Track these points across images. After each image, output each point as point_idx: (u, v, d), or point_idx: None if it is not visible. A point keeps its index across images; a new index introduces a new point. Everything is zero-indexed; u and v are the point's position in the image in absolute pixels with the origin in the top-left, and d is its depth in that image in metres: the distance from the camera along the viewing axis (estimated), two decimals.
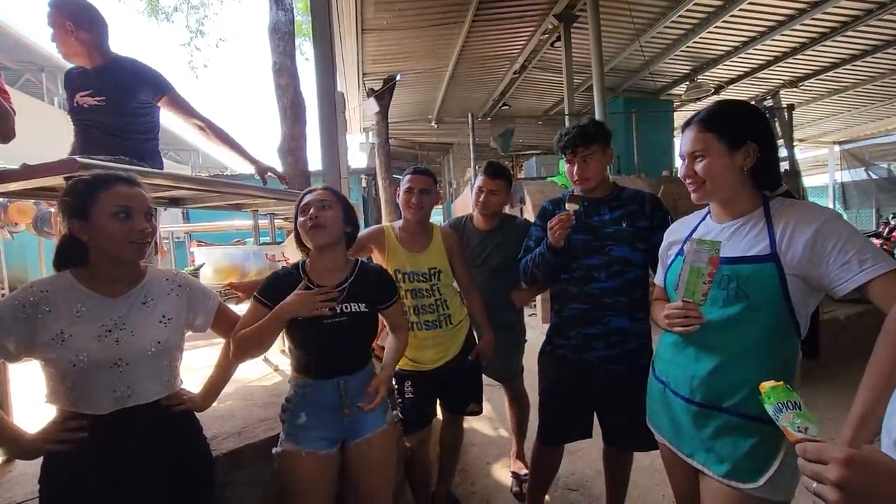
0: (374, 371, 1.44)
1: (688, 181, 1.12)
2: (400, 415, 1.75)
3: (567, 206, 1.53)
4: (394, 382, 1.80)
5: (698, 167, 1.08)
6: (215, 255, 2.16)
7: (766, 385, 0.78)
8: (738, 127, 1.06)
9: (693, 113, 1.14)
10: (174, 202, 2.23)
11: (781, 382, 0.76)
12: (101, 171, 1.12)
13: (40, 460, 1.05)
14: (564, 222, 1.50)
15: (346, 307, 1.31)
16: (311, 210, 1.31)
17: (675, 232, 1.28)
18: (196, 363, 2.25)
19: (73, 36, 1.80)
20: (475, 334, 1.95)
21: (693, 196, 1.13)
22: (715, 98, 8.72)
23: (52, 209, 2.56)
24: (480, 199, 2.09)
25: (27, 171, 1.34)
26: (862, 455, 0.54)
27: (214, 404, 1.31)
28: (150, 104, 1.96)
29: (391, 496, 1.45)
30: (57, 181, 1.28)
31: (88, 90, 1.86)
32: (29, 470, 1.33)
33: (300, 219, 1.34)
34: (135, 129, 1.92)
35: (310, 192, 1.38)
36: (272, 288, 1.31)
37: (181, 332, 1.18)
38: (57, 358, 1.00)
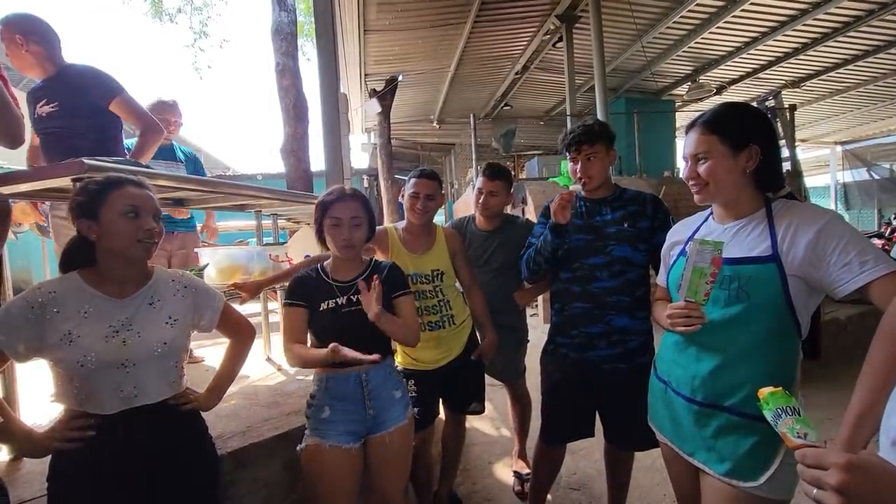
0: (394, 365, 1.49)
1: (691, 183, 1.13)
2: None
3: (572, 186, 1.56)
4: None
5: (701, 169, 1.09)
6: (219, 255, 2.17)
7: (764, 391, 0.78)
8: (742, 129, 1.07)
9: (696, 114, 1.15)
10: (178, 203, 2.24)
11: (780, 388, 0.77)
12: (112, 174, 1.13)
13: (48, 459, 1.06)
14: (566, 198, 1.52)
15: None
16: (345, 231, 1.36)
17: (678, 233, 1.29)
18: (212, 364, 2.26)
19: (23, 49, 1.85)
20: (478, 334, 1.96)
21: (696, 197, 1.14)
22: (717, 98, 8.73)
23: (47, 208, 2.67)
24: (480, 201, 2.10)
25: (36, 173, 1.36)
26: (861, 460, 0.54)
27: (219, 404, 1.32)
28: (104, 107, 1.99)
29: (403, 492, 1.47)
30: (65, 182, 1.29)
31: (44, 99, 1.92)
32: (36, 468, 1.34)
33: (330, 229, 1.38)
34: (88, 130, 1.96)
35: (341, 198, 1.39)
36: (299, 289, 1.40)
37: (187, 332, 1.19)
38: (65, 358, 1.01)
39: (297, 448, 1.36)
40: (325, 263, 1.46)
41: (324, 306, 1.37)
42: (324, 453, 1.31)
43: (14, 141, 1.41)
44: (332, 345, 1.21)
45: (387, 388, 1.41)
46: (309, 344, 1.41)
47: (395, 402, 1.42)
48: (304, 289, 1.40)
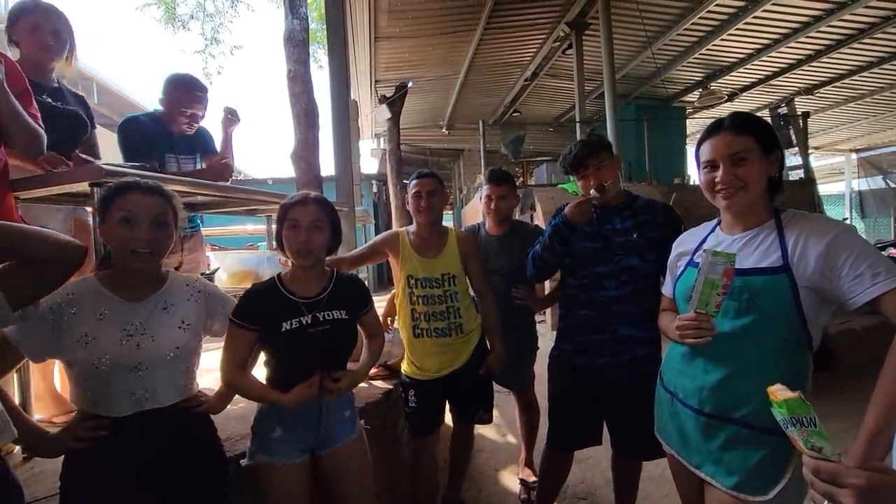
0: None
1: (721, 186, 1.07)
2: (366, 425, 1.60)
3: (592, 191, 1.55)
4: (399, 389, 1.81)
5: (741, 171, 1.04)
6: (229, 259, 2.20)
7: (778, 394, 0.76)
8: (770, 133, 1.07)
9: (708, 121, 1.14)
10: (189, 207, 2.27)
11: (797, 394, 0.74)
12: (126, 179, 1.15)
13: (61, 458, 1.08)
14: (585, 206, 1.53)
15: (329, 315, 1.31)
16: (303, 234, 1.28)
17: (684, 243, 1.28)
18: (210, 365, 2.28)
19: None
20: (487, 343, 1.94)
21: (724, 203, 1.09)
22: (728, 105, 8.66)
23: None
24: (492, 207, 2.12)
25: (53, 178, 1.39)
26: (881, 481, 0.53)
27: (228, 406, 1.33)
28: None
29: (372, 499, 1.45)
30: (82, 187, 1.32)
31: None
32: (49, 467, 1.36)
33: (288, 233, 1.30)
34: None
35: (301, 202, 1.31)
36: (250, 308, 1.28)
37: (199, 337, 1.21)
38: (80, 359, 1.03)
39: (242, 462, 1.32)
40: (284, 275, 1.35)
41: (286, 326, 1.25)
42: (275, 471, 1.28)
43: (35, 155, 1.42)
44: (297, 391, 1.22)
45: (339, 409, 1.37)
46: (265, 362, 1.35)
47: (345, 421, 1.38)
48: (259, 308, 1.27)
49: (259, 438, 1.31)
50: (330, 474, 1.36)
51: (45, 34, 1.68)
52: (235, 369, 1.26)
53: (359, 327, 1.44)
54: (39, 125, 1.41)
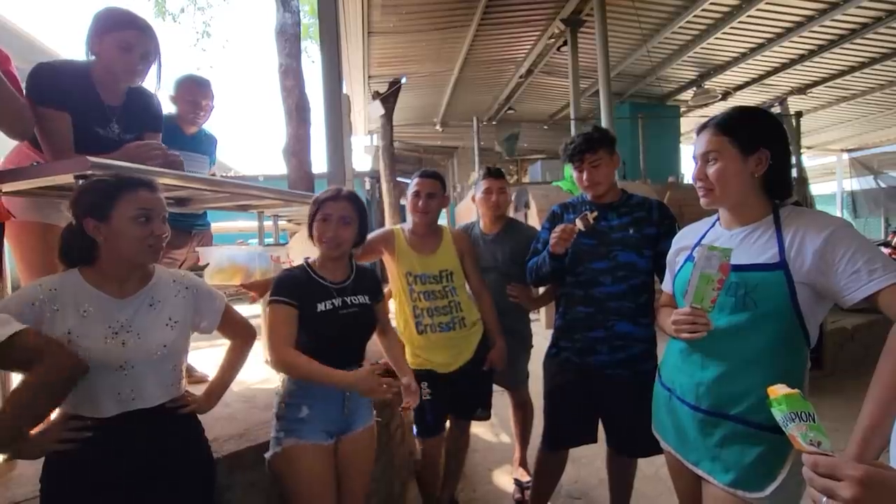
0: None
1: (698, 184, 1.11)
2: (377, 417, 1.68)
3: (577, 221, 1.53)
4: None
5: (710, 171, 1.07)
6: (218, 255, 2.15)
7: (777, 391, 0.75)
8: (753, 132, 1.05)
9: (702, 120, 1.14)
10: (179, 202, 2.23)
11: (797, 391, 0.74)
12: (125, 174, 1.12)
13: (42, 460, 1.04)
14: (568, 233, 1.51)
15: (355, 299, 1.42)
16: (333, 228, 1.36)
17: (684, 238, 1.27)
18: (199, 365, 2.24)
19: None
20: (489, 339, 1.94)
21: (703, 201, 1.12)
22: (722, 104, 8.70)
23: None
24: (492, 200, 2.11)
25: (38, 170, 1.34)
26: (879, 474, 0.53)
27: (216, 406, 1.30)
28: None
29: (365, 492, 1.46)
30: (67, 180, 1.28)
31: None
32: (28, 470, 1.33)
33: (319, 224, 1.39)
34: None
35: (334, 197, 1.39)
36: (288, 287, 1.35)
37: (187, 334, 1.18)
38: None
39: (267, 455, 1.33)
40: (312, 262, 1.44)
41: (321, 307, 1.35)
42: (304, 452, 1.29)
43: (21, 134, 1.38)
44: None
45: None
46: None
47: (364, 404, 1.43)
48: (296, 288, 1.35)
49: (284, 422, 1.32)
50: (340, 459, 1.38)
51: (135, 56, 1.52)
52: (285, 347, 1.29)
53: None
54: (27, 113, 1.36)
